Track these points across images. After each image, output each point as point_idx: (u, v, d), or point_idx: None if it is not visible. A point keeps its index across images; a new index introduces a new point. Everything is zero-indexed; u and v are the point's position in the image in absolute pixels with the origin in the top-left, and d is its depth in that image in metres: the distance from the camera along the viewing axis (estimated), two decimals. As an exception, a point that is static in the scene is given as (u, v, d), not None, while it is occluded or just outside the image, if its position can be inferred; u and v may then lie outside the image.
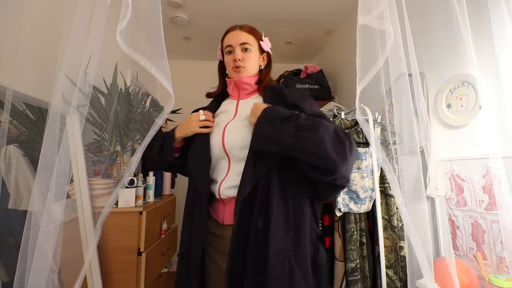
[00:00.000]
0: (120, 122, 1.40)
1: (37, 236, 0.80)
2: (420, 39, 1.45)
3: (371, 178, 1.56)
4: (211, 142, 0.95)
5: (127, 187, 1.41)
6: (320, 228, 1.67)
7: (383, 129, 1.62)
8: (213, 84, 1.13)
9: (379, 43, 0.89)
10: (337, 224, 1.62)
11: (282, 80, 2.83)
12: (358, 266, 1.53)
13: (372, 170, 1.55)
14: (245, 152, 0.88)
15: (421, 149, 1.00)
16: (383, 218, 1.56)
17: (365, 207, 1.57)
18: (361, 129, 1.64)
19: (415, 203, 0.95)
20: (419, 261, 0.89)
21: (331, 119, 1.68)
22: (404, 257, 1.49)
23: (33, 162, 1.18)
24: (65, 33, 0.88)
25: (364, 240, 1.57)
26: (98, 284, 1.17)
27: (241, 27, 1.01)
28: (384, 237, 1.53)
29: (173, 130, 1.04)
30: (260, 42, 1.02)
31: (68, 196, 1.13)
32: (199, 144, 0.97)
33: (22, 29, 1.22)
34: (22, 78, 1.22)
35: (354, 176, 1.56)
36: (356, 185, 1.55)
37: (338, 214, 1.57)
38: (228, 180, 0.90)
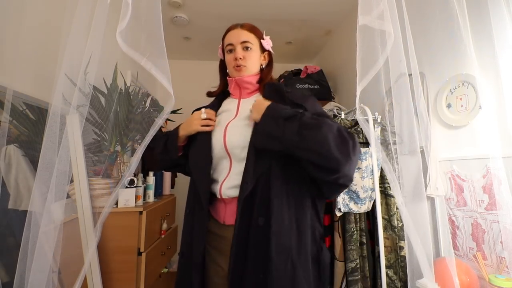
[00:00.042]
0: (120, 122, 1.40)
1: (37, 236, 0.80)
2: (420, 39, 1.45)
3: (371, 178, 1.56)
4: (213, 142, 0.95)
5: (127, 187, 1.41)
6: (321, 230, 1.66)
7: (383, 129, 1.62)
8: (213, 84, 1.13)
9: (379, 43, 0.89)
10: (337, 224, 1.62)
11: (282, 80, 2.83)
12: (358, 266, 1.53)
13: (372, 170, 1.55)
14: (247, 152, 0.87)
15: (421, 149, 1.00)
16: (383, 218, 1.56)
17: (365, 207, 1.57)
18: (361, 129, 1.64)
19: (415, 203, 0.95)
20: (419, 261, 0.89)
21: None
22: (404, 257, 1.49)
23: (33, 162, 1.18)
24: (65, 33, 0.88)
25: (364, 240, 1.57)
26: (98, 284, 1.17)
27: (242, 26, 1.00)
28: (384, 237, 1.53)
29: (177, 128, 1.03)
30: (261, 40, 1.01)
31: (68, 196, 1.13)
32: (200, 143, 0.97)
33: (22, 29, 1.22)
34: (22, 78, 1.22)
35: (354, 176, 1.56)
36: (356, 185, 1.55)
37: (338, 214, 1.57)
38: (229, 180, 0.90)
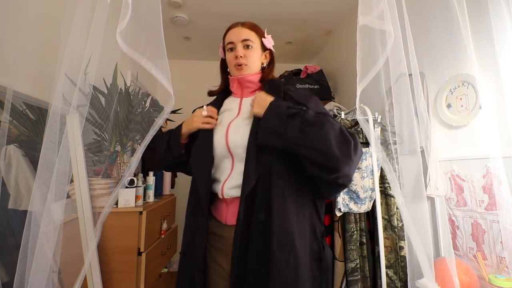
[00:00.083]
0: (120, 122, 1.40)
1: (37, 236, 0.80)
2: (420, 39, 1.46)
3: (371, 178, 1.56)
4: (215, 141, 0.94)
5: (127, 187, 1.41)
6: (322, 229, 1.66)
7: (383, 129, 1.62)
8: (213, 84, 1.13)
9: (379, 43, 0.89)
10: (337, 224, 1.62)
11: (283, 79, 2.84)
12: (358, 266, 1.54)
13: (372, 170, 1.55)
14: (246, 150, 0.87)
15: (421, 149, 1.00)
16: (383, 218, 1.56)
17: (365, 207, 1.57)
18: (361, 129, 1.65)
19: (415, 203, 0.95)
20: (420, 261, 0.89)
21: (331, 119, 1.68)
22: (404, 257, 1.49)
23: (33, 162, 1.18)
24: (65, 33, 0.88)
25: (364, 240, 1.57)
26: (98, 284, 1.17)
27: (243, 24, 0.99)
28: (384, 237, 1.53)
29: (180, 125, 1.03)
30: (262, 39, 1.00)
31: (68, 196, 1.13)
32: (201, 142, 0.96)
33: (22, 29, 1.22)
34: (22, 78, 1.22)
35: (354, 176, 1.56)
36: (356, 185, 1.55)
37: (338, 214, 1.57)
38: (231, 180, 0.89)
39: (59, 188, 0.84)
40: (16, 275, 0.80)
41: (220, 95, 1.08)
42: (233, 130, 0.92)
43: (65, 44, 0.86)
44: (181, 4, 2.35)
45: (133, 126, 1.44)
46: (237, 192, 0.87)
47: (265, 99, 0.86)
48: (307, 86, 2.67)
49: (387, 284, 1.48)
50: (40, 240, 0.80)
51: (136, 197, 1.47)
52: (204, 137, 0.96)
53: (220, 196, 0.91)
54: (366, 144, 1.63)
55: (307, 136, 0.76)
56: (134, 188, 1.45)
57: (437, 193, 1.44)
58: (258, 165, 0.83)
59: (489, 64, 1.22)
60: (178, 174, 2.10)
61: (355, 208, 1.56)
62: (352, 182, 1.56)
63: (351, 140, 0.76)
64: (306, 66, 2.82)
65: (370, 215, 1.63)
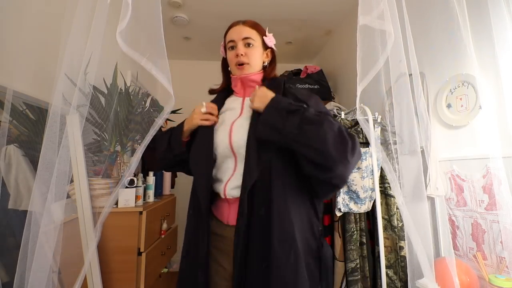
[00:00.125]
0: (120, 122, 1.40)
1: (37, 236, 0.80)
2: (420, 39, 1.46)
3: (371, 178, 1.56)
4: (217, 141, 0.93)
5: (127, 187, 1.40)
6: (320, 228, 1.66)
7: (383, 129, 1.62)
8: (213, 84, 1.12)
9: (380, 43, 0.89)
10: (337, 224, 1.62)
11: (285, 78, 2.83)
12: (358, 266, 1.54)
13: (372, 170, 1.55)
14: (246, 146, 0.87)
15: (421, 149, 1.00)
16: (383, 218, 1.56)
17: (365, 207, 1.57)
18: (361, 129, 1.65)
19: (416, 203, 0.95)
20: (420, 261, 0.89)
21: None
22: (404, 257, 1.49)
23: (33, 162, 1.18)
24: (65, 33, 0.88)
25: (364, 240, 1.57)
26: (98, 284, 1.17)
27: (244, 22, 0.99)
28: (384, 237, 1.53)
29: (181, 123, 1.02)
30: (264, 37, 1.00)
31: (68, 196, 1.13)
32: (200, 140, 0.95)
33: (22, 29, 1.22)
34: (22, 78, 1.22)
35: (354, 176, 1.56)
36: (356, 185, 1.55)
37: (338, 214, 1.57)
38: (234, 180, 0.89)
39: (59, 188, 0.84)
40: (16, 275, 0.80)
41: (221, 94, 1.07)
42: (236, 130, 0.92)
43: (65, 44, 0.86)
44: (181, 4, 2.35)
45: (133, 126, 1.44)
46: (239, 192, 0.86)
47: (266, 95, 0.86)
48: (307, 86, 2.67)
49: (387, 284, 1.48)
50: (40, 240, 0.80)
51: (136, 197, 1.47)
52: (203, 134, 0.95)
53: (223, 196, 0.90)
54: (366, 144, 1.63)
55: (305, 134, 0.75)
56: (134, 188, 1.45)
57: (437, 193, 1.44)
58: (259, 160, 0.83)
59: (489, 64, 1.22)
60: (178, 174, 2.10)
61: (355, 208, 1.56)
62: (352, 182, 1.57)
63: (349, 140, 0.76)
64: (306, 66, 2.82)
65: (370, 215, 1.63)
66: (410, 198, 0.95)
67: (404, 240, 1.50)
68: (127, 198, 1.40)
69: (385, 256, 1.51)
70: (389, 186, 1.58)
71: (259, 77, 0.99)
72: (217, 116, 0.98)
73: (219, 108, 1.01)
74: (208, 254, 0.88)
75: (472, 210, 1.32)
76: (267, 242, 0.79)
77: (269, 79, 0.99)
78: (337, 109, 1.81)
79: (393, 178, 0.92)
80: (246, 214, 0.82)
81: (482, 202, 1.27)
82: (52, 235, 0.83)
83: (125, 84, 1.57)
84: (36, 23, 1.31)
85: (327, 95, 2.68)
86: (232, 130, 0.92)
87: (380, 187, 1.58)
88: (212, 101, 1.05)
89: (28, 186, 1.16)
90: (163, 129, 1.19)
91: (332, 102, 2.41)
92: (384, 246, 1.49)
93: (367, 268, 1.55)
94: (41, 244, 0.81)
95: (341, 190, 1.58)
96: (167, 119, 1.95)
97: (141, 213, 1.39)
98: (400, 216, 1.51)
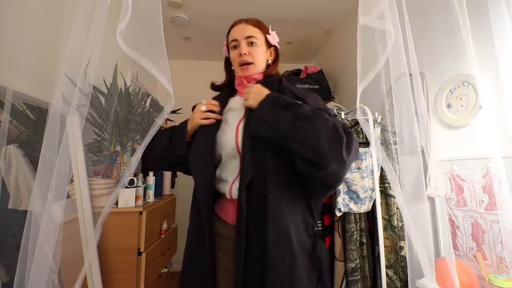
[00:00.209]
0: (120, 122, 1.40)
1: (37, 236, 0.80)
2: (420, 39, 1.46)
3: (371, 178, 1.56)
4: (223, 141, 0.91)
5: (127, 187, 1.40)
6: (320, 228, 1.67)
7: (383, 129, 1.62)
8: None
9: (380, 43, 0.89)
10: (337, 224, 1.62)
11: (286, 76, 2.83)
12: (358, 266, 1.54)
13: (372, 170, 1.55)
14: (241, 143, 0.86)
15: (421, 149, 1.00)
16: (383, 218, 1.56)
17: (365, 207, 1.57)
18: (361, 129, 1.65)
19: (416, 203, 0.95)
20: (420, 261, 0.89)
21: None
22: (404, 257, 1.49)
23: (33, 162, 1.18)
24: (65, 33, 0.88)
25: (364, 240, 1.57)
26: (98, 284, 1.17)
27: (247, 21, 0.97)
28: (384, 237, 1.53)
29: (183, 123, 1.00)
30: (267, 35, 0.98)
31: (68, 196, 1.13)
32: (200, 139, 0.94)
33: (22, 28, 1.22)
34: (22, 78, 1.22)
35: (354, 176, 1.56)
36: (356, 185, 1.55)
37: (338, 214, 1.57)
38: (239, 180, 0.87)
39: (59, 188, 0.84)
40: (16, 275, 0.80)
41: (225, 91, 1.05)
42: (242, 131, 0.90)
43: (65, 44, 0.86)
44: (181, 4, 2.35)
45: (133, 126, 1.44)
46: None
47: (261, 92, 0.85)
48: (307, 86, 2.68)
49: (387, 284, 1.48)
50: (40, 240, 0.80)
51: (136, 197, 1.47)
52: (203, 134, 0.94)
53: (228, 197, 0.89)
54: (366, 144, 1.63)
55: (298, 130, 0.74)
56: (134, 188, 1.45)
57: (437, 193, 1.44)
58: (253, 158, 0.82)
59: (489, 64, 1.22)
60: (178, 174, 2.10)
61: (355, 208, 1.56)
62: (352, 182, 1.57)
63: (344, 137, 0.74)
64: (306, 66, 2.82)
65: (370, 215, 1.63)
66: (410, 198, 0.95)
67: (404, 240, 1.50)
68: (127, 198, 1.40)
69: (385, 256, 1.51)
70: (389, 186, 1.58)
71: (262, 76, 0.98)
72: (220, 113, 0.96)
73: (222, 107, 0.99)
74: (214, 259, 0.86)
75: (472, 210, 1.32)
76: (263, 242, 0.78)
77: (265, 77, 0.98)
78: (337, 109, 1.81)
79: (393, 178, 0.92)
80: (246, 214, 0.81)
81: (482, 202, 1.27)
82: (52, 235, 0.83)
83: (125, 84, 1.57)
84: (36, 23, 1.31)
85: (327, 95, 2.68)
86: (239, 131, 0.90)
87: (380, 187, 1.58)
88: (215, 98, 1.03)
89: (28, 186, 1.16)
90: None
91: (332, 102, 2.41)
92: (384, 246, 1.49)
93: (367, 268, 1.55)
94: (41, 244, 0.81)
95: (341, 190, 1.58)
96: (167, 119, 1.96)
97: (141, 213, 1.38)
98: (400, 216, 1.51)
